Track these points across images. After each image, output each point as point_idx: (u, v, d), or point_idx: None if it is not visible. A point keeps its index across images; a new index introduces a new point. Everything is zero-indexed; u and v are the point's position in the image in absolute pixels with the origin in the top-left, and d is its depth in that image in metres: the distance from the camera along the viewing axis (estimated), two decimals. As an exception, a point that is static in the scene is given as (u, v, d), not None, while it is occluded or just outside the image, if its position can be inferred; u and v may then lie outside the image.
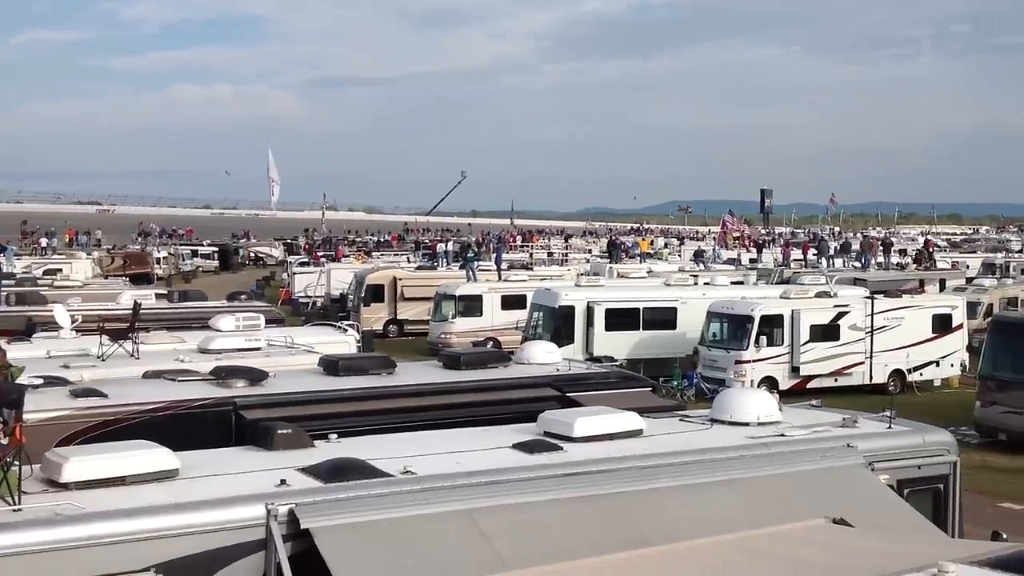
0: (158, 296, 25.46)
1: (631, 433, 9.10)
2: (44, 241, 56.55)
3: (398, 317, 39.92)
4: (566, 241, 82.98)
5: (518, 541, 7.19)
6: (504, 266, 42.86)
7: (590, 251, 69.40)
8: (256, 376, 11.19)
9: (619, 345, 29.03)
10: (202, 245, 74.92)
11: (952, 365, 29.43)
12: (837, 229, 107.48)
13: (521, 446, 8.57)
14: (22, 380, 7.75)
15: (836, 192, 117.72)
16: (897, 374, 28.37)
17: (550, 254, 65.96)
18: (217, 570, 6.66)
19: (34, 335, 16.12)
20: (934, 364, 29.05)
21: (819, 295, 29.38)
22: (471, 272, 39.82)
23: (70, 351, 13.82)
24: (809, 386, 26.50)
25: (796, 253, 54.72)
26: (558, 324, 29.55)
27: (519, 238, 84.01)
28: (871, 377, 28.04)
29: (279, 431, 8.48)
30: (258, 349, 14.23)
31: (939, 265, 48.76)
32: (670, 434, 9.36)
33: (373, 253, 63.37)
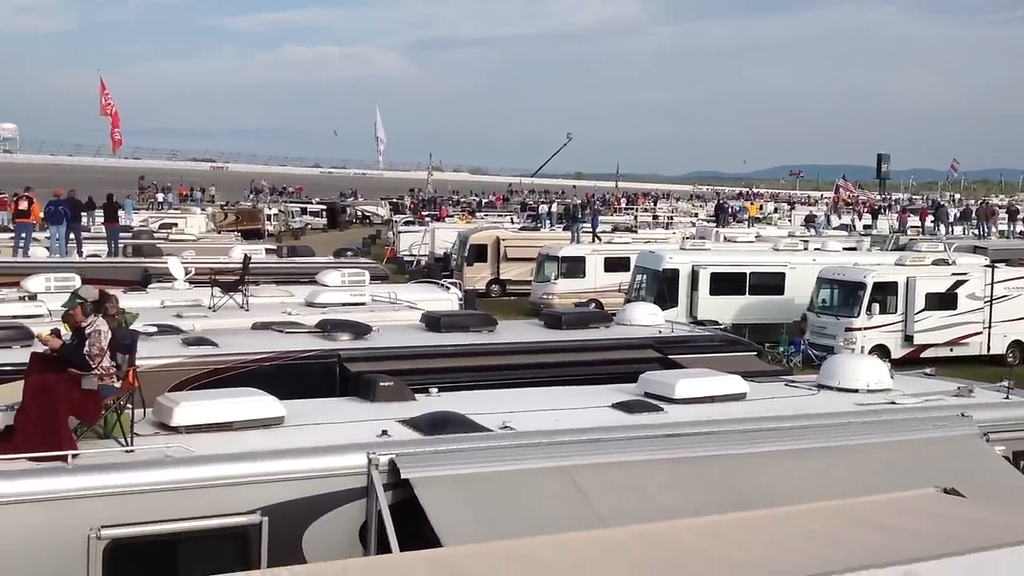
0: (268, 251, 25.99)
1: (734, 396, 8.94)
2: (160, 196, 58.24)
3: (500, 277, 40.05)
4: (654, 204, 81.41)
5: (616, 500, 7.14)
6: (600, 228, 42.51)
7: (696, 215, 68.42)
8: (360, 330, 11.34)
9: (724, 309, 28.55)
10: (311, 203, 76.21)
11: (1076, 337, 28.12)
12: (958, 196, 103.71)
13: (621, 406, 8.49)
14: (135, 327, 7.96)
15: (958, 158, 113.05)
16: (1017, 345, 27.32)
17: (655, 217, 65.21)
18: (320, 515, 6.78)
19: (149, 286, 16.62)
20: (1057, 336, 27.82)
21: (936, 263, 28.41)
22: (576, 233, 39.65)
23: (183, 302, 14.21)
24: (923, 355, 25.71)
25: (913, 220, 52.97)
26: (662, 287, 29.23)
27: (624, 200, 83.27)
28: (989, 348, 27.03)
29: (382, 383, 8.58)
30: (362, 304, 14.40)
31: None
32: (775, 398, 9.17)
33: (477, 213, 63.60)
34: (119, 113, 41.81)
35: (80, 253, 25.59)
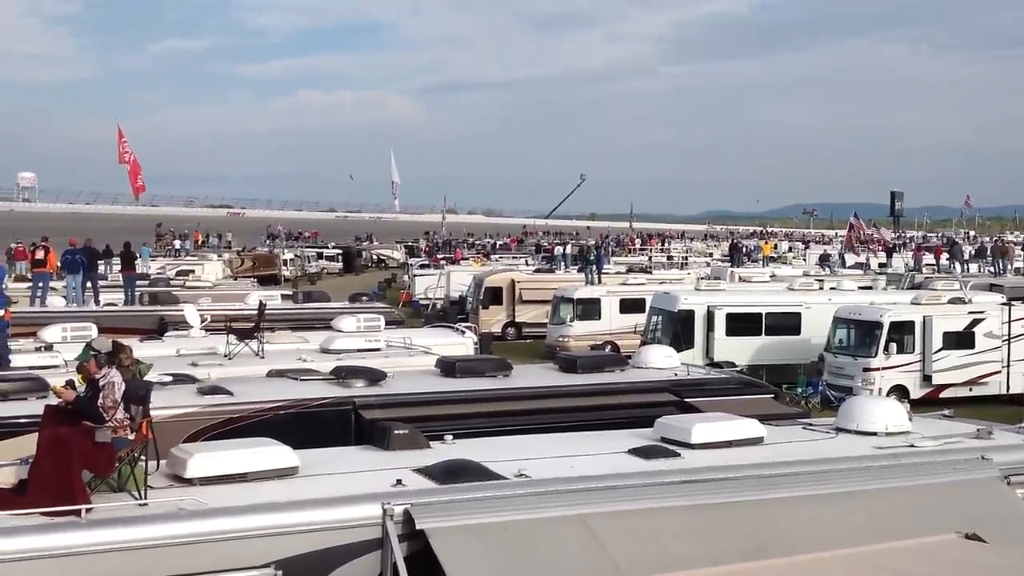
0: (283, 297, 26.06)
1: (751, 441, 8.88)
2: (178, 243, 58.64)
3: (516, 320, 40.00)
4: (663, 244, 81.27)
5: (633, 548, 7.07)
6: (616, 269, 42.38)
7: (711, 255, 68.40)
8: (375, 376, 11.34)
9: (740, 350, 28.44)
10: (327, 247, 76.62)
11: (1095, 375, 27.86)
12: (972, 233, 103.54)
13: (637, 451, 8.45)
14: (150, 377, 7.97)
15: (971, 195, 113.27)
16: (1036, 384, 27.04)
17: (670, 258, 65.25)
18: (334, 568, 6.72)
19: (166, 334, 16.68)
20: (1076, 374, 27.57)
21: (952, 301, 28.26)
22: (589, 275, 39.63)
23: (199, 350, 14.25)
24: (942, 395, 25.50)
25: (928, 258, 52.81)
26: (677, 328, 29.13)
27: (638, 241, 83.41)
28: (1008, 387, 26.77)
29: (396, 431, 8.55)
30: (378, 350, 14.42)
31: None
32: (793, 442, 9.11)
33: (492, 256, 63.74)
34: (138, 160, 42.11)
35: (97, 302, 25.72)
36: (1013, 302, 27.93)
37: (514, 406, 11.17)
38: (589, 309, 35.26)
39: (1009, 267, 45.15)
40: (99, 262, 29.33)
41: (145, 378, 7.73)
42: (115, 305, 25.29)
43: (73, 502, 6.37)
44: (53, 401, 7.69)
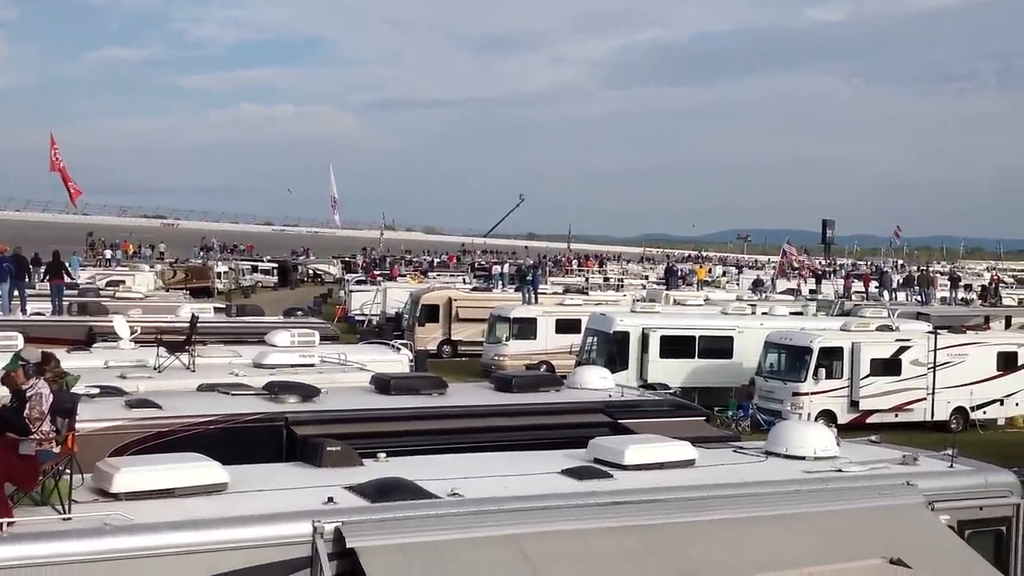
0: (216, 310, 25.68)
1: (683, 463, 8.97)
2: (108, 253, 57.64)
3: (452, 338, 40.02)
4: (600, 266, 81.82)
5: (564, 569, 7.10)
6: (552, 290, 42.52)
7: (647, 277, 69.00)
8: (308, 392, 11.24)
9: (674, 373, 28.76)
10: (262, 261, 75.78)
11: (1017, 404, 28.73)
12: (901, 262, 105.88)
13: (570, 472, 8.48)
14: (77, 389, 7.81)
15: (901, 224, 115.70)
16: (960, 411, 27.79)
17: (606, 279, 65.68)
18: (262, 586, 6.63)
19: (94, 345, 16.34)
20: (998, 403, 28.38)
21: (880, 328, 28.87)
22: (526, 294, 39.76)
23: (128, 362, 13.99)
24: (869, 421, 26.01)
25: (857, 285, 53.88)
26: (612, 349, 29.37)
27: (575, 262, 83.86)
28: (933, 414, 27.47)
29: (328, 448, 8.48)
30: (312, 365, 14.28)
31: (1005, 302, 47.61)
32: (723, 465, 9.21)
33: (429, 273, 63.60)
34: (67, 168, 41.32)
35: (24, 311, 25.13)
36: (939, 331, 28.64)
37: (448, 424, 11.15)
38: (525, 329, 35.41)
39: (934, 296, 46.18)
40: (27, 270, 28.64)
41: (72, 390, 7.58)
42: (43, 315, 24.72)
43: (-6, 516, 6.21)
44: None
